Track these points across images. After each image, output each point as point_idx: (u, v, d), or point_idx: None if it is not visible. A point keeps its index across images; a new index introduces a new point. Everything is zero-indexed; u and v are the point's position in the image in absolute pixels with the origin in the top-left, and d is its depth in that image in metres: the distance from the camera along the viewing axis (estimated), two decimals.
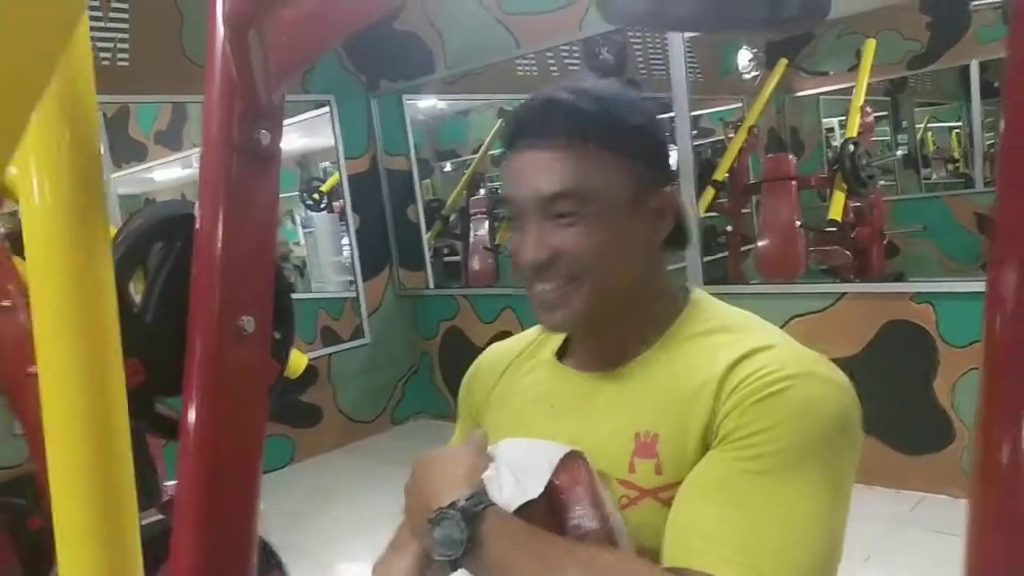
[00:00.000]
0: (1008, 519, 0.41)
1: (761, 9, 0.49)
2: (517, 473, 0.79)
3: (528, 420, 0.88)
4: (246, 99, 0.95)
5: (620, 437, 0.80)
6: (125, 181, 4.45)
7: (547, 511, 0.77)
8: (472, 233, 5.28)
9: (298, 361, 2.19)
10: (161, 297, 1.05)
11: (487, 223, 5.31)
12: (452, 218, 5.54)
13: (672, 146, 3.75)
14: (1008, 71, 0.39)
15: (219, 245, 0.99)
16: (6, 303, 1.63)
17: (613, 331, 0.85)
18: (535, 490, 0.77)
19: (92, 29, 3.52)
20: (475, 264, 5.12)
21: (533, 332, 0.99)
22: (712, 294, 0.90)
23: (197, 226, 1.00)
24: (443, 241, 5.47)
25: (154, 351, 1.05)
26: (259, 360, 1.05)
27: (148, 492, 1.87)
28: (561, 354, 0.92)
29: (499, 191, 0.99)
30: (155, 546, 1.11)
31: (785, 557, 0.68)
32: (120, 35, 3.52)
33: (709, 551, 0.68)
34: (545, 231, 0.79)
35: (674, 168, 3.52)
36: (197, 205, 1.00)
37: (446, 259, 5.49)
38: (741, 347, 0.77)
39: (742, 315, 0.85)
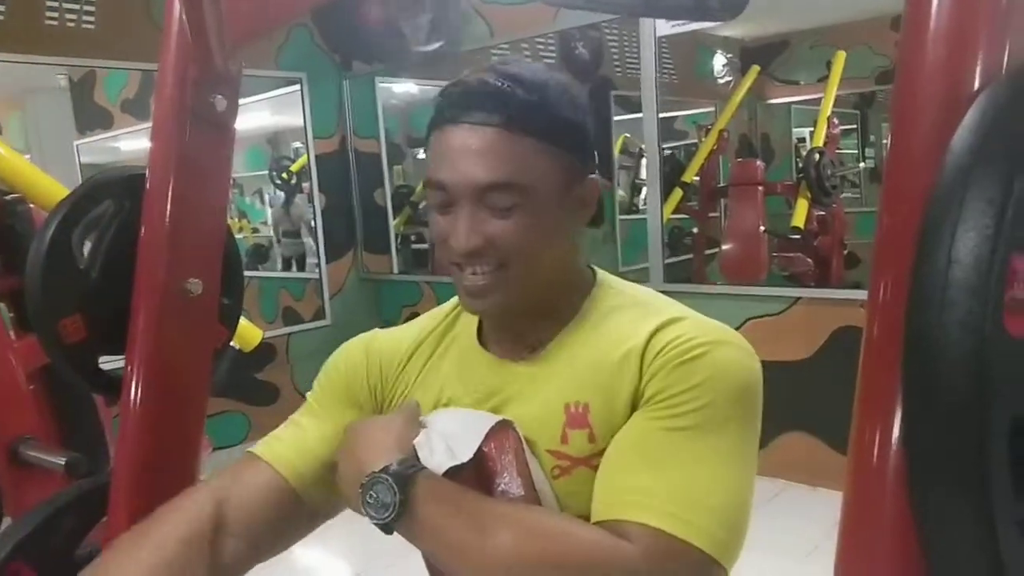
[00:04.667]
0: (877, 506, 0.44)
1: (688, 0, 0.51)
2: (448, 440, 0.81)
3: (453, 403, 0.89)
4: (201, 64, 0.95)
5: (550, 410, 0.82)
6: (89, 149, 4.37)
7: (475, 478, 0.80)
8: None
9: (252, 335, 2.19)
10: (107, 256, 1.06)
11: None
12: (422, 205, 5.52)
13: (635, 145, 3.81)
14: (893, 100, 0.42)
15: (168, 207, 1.00)
16: None
17: (532, 315, 0.87)
18: (464, 455, 0.79)
19: None
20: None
21: (434, 318, 0.98)
22: (674, 293, 0.93)
23: (147, 187, 1.01)
24: (412, 228, 5.46)
25: (97, 308, 1.05)
26: (205, 323, 1.06)
27: (96, 458, 1.85)
28: (478, 339, 0.92)
29: (427, 173, 0.96)
30: (93, 503, 1.12)
31: (706, 506, 0.72)
32: None
33: (637, 503, 0.72)
34: (478, 219, 0.78)
35: (639, 171, 3.58)
36: (148, 167, 1.01)
37: (414, 246, 5.48)
38: (659, 317, 0.81)
39: (648, 292, 0.89)
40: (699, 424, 0.75)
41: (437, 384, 0.91)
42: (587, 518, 0.77)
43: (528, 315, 0.87)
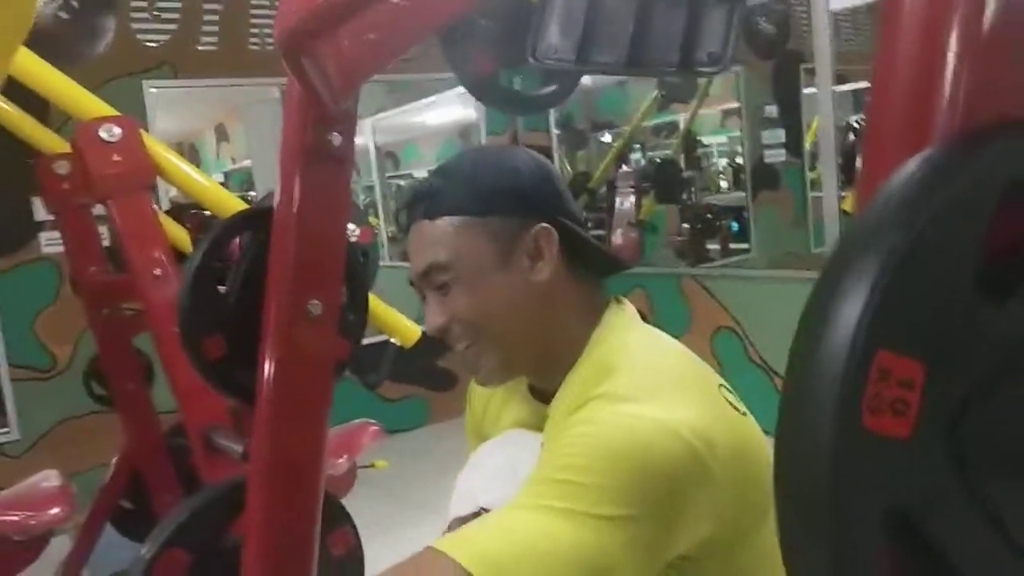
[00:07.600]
0: None
1: (673, 56, 0.51)
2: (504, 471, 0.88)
3: None
4: (316, 107, 1.05)
5: None
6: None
7: None
8: (617, 207, 5.28)
9: (411, 332, 2.38)
10: (244, 281, 1.19)
11: (633, 197, 5.28)
12: (601, 190, 5.55)
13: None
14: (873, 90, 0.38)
15: (292, 236, 1.11)
16: (157, 272, 1.86)
17: (538, 371, 0.91)
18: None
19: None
20: (617, 238, 5.12)
21: None
22: None
23: (274, 219, 1.12)
24: (589, 214, 5.50)
25: (235, 329, 1.20)
26: (325, 338, 1.17)
27: None
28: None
29: None
30: (242, 495, 1.27)
31: (499, 530, 0.68)
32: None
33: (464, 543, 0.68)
34: (437, 302, 0.88)
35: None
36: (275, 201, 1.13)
37: (591, 232, 5.51)
38: (589, 395, 0.77)
39: (633, 350, 0.83)
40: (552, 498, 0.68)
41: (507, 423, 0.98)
42: None
43: (537, 372, 0.92)
